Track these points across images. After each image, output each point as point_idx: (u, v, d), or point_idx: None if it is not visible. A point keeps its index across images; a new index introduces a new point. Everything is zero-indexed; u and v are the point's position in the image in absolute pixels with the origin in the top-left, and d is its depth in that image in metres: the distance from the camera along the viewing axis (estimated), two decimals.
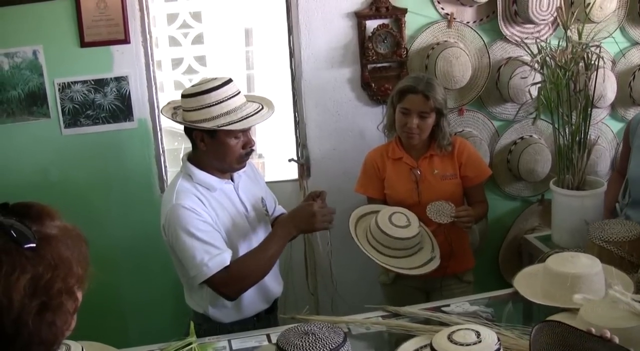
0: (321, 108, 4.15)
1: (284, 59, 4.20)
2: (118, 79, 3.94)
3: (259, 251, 2.87)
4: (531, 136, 4.33)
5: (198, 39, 4.84)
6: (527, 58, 3.88)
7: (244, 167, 3.03)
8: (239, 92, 2.89)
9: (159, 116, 4.03)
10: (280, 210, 3.33)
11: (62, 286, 1.39)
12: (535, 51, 3.67)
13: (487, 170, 3.65)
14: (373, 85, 4.08)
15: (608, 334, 1.98)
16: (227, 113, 2.81)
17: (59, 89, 3.90)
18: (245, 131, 2.89)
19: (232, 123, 2.80)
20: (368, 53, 4.03)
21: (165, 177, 4.13)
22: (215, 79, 2.88)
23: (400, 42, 4.03)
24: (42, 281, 1.35)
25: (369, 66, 4.09)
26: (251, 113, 2.87)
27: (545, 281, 2.71)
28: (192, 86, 2.93)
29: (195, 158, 2.98)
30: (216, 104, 2.80)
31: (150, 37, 3.99)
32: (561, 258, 2.75)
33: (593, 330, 2.01)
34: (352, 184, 3.68)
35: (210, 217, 2.86)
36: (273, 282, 3.15)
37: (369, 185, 3.63)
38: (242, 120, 2.82)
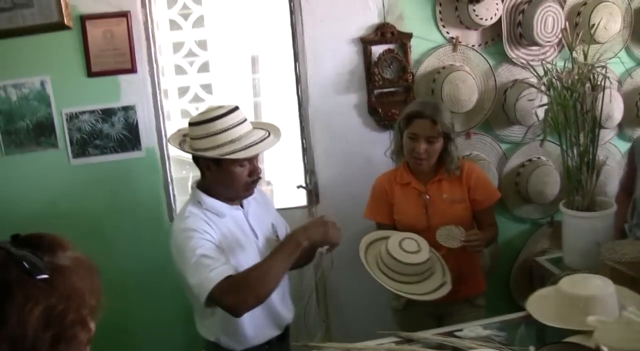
0: (328, 134, 4.15)
1: (291, 86, 4.22)
2: (125, 108, 3.96)
3: (264, 261, 2.80)
4: (539, 158, 4.32)
5: (204, 67, 4.87)
6: (533, 80, 3.88)
7: (251, 194, 3.02)
8: (245, 120, 2.89)
9: (166, 144, 4.04)
10: None
11: (75, 317, 1.39)
12: (542, 73, 3.67)
13: (496, 193, 3.64)
14: (380, 110, 4.09)
15: None
16: (232, 141, 2.81)
17: (67, 119, 3.92)
18: (251, 159, 2.89)
19: (235, 152, 2.80)
20: (374, 78, 4.04)
21: (174, 205, 4.14)
22: (222, 107, 2.88)
23: (406, 66, 4.05)
24: (55, 312, 1.35)
25: (376, 91, 4.10)
26: (256, 141, 2.86)
27: (558, 303, 2.69)
28: (199, 114, 2.93)
29: (204, 185, 2.99)
30: (221, 132, 2.80)
31: (157, 65, 4.01)
32: (573, 280, 2.73)
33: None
34: (360, 209, 3.67)
35: (216, 238, 2.85)
36: (283, 307, 3.13)
37: (378, 211, 3.62)
38: (247, 148, 2.82)
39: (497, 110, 4.21)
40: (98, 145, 3.97)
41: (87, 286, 1.44)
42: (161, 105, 4.05)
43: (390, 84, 4.08)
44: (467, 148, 4.21)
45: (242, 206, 3.05)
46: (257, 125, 2.99)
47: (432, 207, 3.47)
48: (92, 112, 3.94)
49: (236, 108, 2.88)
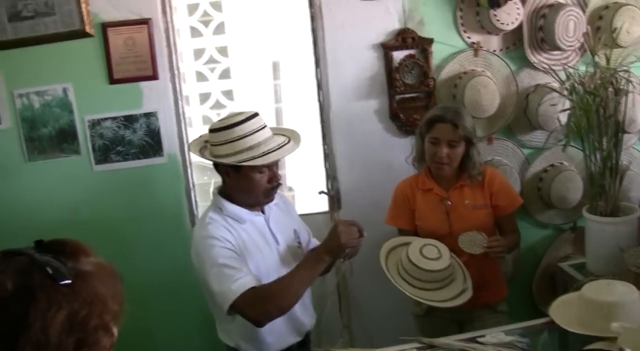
0: (350, 139, 4.16)
1: (312, 92, 4.23)
2: (147, 115, 3.98)
3: (288, 275, 2.82)
4: (562, 163, 4.30)
5: (225, 74, 4.87)
6: (555, 85, 3.87)
7: (271, 200, 3.02)
8: (265, 126, 2.90)
9: (188, 151, 4.06)
10: (314, 242, 3.29)
11: (98, 322, 1.40)
12: (564, 77, 3.66)
13: (518, 199, 3.62)
14: (401, 115, 4.09)
15: None
16: (250, 148, 2.82)
17: (89, 126, 3.95)
18: (271, 166, 2.90)
19: (253, 158, 2.81)
20: (395, 84, 4.04)
21: (195, 211, 4.16)
22: (241, 113, 2.89)
23: (427, 72, 4.05)
24: (79, 317, 1.36)
25: (397, 97, 4.10)
26: (274, 148, 2.87)
27: (582, 309, 2.68)
28: (219, 120, 2.95)
29: (225, 192, 3.00)
30: (239, 139, 2.82)
31: (178, 72, 4.04)
32: (597, 286, 2.73)
33: None
34: (382, 215, 3.67)
35: (237, 246, 2.86)
36: (304, 314, 3.13)
37: (399, 217, 3.62)
38: (265, 155, 2.82)
39: (519, 115, 4.20)
40: (120, 151, 4.00)
41: (109, 291, 1.45)
42: (183, 112, 4.08)
43: (411, 90, 4.08)
44: (489, 154, 4.20)
45: (263, 212, 3.05)
46: (277, 131, 3.00)
47: (454, 213, 3.46)
48: (114, 118, 3.97)
49: (256, 114, 2.89)
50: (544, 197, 4.29)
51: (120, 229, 4.09)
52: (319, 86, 4.16)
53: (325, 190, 4.25)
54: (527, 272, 4.46)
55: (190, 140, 4.02)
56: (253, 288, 2.72)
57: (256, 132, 2.84)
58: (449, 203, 3.47)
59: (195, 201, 4.18)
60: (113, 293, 1.46)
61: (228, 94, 4.94)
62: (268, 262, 2.96)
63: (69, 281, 1.37)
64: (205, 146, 2.99)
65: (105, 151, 3.99)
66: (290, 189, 5.14)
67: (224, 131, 2.84)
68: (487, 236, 3.33)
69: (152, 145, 4.02)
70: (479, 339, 2.83)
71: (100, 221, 4.04)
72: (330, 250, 2.86)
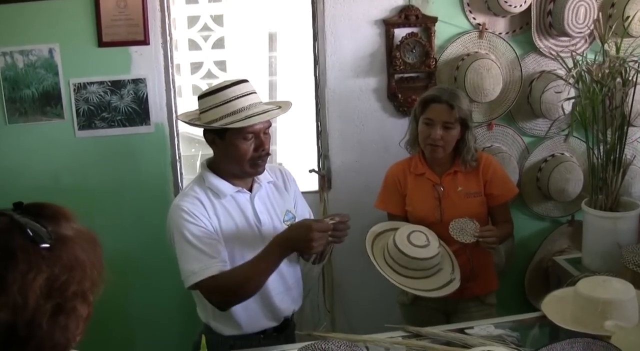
0: (345, 118, 4.14)
1: (308, 66, 4.21)
2: (135, 81, 3.95)
3: (249, 266, 2.80)
4: (563, 154, 4.30)
5: (219, 43, 4.86)
6: (561, 72, 3.86)
7: (259, 172, 2.97)
8: (253, 92, 2.86)
9: (176, 121, 4.03)
10: None
11: (77, 289, 1.40)
12: (571, 65, 3.64)
13: (513, 188, 3.62)
14: (400, 96, 4.07)
15: None
16: (234, 112, 2.78)
17: (74, 90, 3.91)
18: (257, 133, 2.85)
19: (235, 122, 2.77)
20: (395, 62, 4.02)
21: (180, 185, 4.13)
22: (230, 80, 2.89)
23: (429, 52, 4.03)
24: (58, 282, 1.36)
25: (396, 76, 4.09)
26: (258, 112, 2.82)
27: (575, 306, 2.67)
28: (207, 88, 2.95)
29: (213, 164, 2.99)
30: (224, 103, 2.79)
31: (171, 39, 4.00)
32: (592, 282, 2.72)
33: None
34: (373, 198, 3.65)
35: (210, 223, 2.86)
36: (283, 300, 3.09)
37: (389, 201, 3.61)
38: (247, 118, 2.78)
39: (522, 102, 4.19)
40: (105, 117, 3.97)
41: (89, 258, 1.45)
42: (172, 80, 4.04)
43: (411, 69, 4.07)
44: (488, 140, 4.20)
45: (250, 190, 3.05)
46: (270, 104, 2.97)
47: (446, 200, 3.44)
48: (100, 83, 3.93)
49: (244, 80, 2.86)
50: (542, 188, 4.29)
51: (101, 199, 4.06)
52: (316, 61, 4.13)
53: (316, 169, 4.24)
54: (520, 265, 4.46)
55: (179, 110, 4.01)
56: (214, 277, 2.74)
57: (242, 97, 2.81)
58: (442, 189, 3.45)
59: (181, 173, 4.15)
60: (93, 261, 1.45)
61: (221, 64, 4.93)
62: (245, 241, 2.94)
63: (49, 245, 1.37)
64: (198, 117, 2.98)
65: (90, 116, 3.96)
66: (280, 165, 5.14)
67: (210, 96, 2.83)
68: (479, 224, 3.34)
69: (139, 112, 3.99)
70: (467, 331, 2.82)
71: (80, 189, 4.01)
72: (296, 248, 2.84)
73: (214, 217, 2.89)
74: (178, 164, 4.13)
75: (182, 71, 4.82)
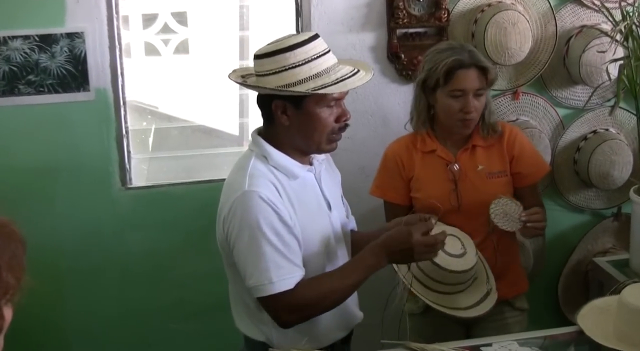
0: None
1: (289, 18, 4.21)
2: (71, 36, 3.92)
3: (338, 276, 2.81)
4: (607, 130, 4.30)
5: None
6: (607, 27, 3.85)
7: (334, 148, 2.95)
8: (329, 50, 2.82)
9: (123, 86, 4.01)
10: (353, 223, 3.27)
11: None
12: (618, 18, 3.63)
13: (544, 165, 3.63)
14: (403, 56, 4.07)
15: None
16: (318, 75, 2.73)
17: None
18: (339, 100, 2.83)
19: (325, 87, 2.73)
20: (398, 14, 4.01)
21: (128, 166, 4.11)
22: (296, 34, 2.84)
23: (439, 1, 4.01)
24: None
25: (399, 31, 4.08)
26: (347, 75, 2.80)
27: (620, 319, 2.67)
28: (267, 45, 2.84)
29: (269, 136, 2.92)
30: (302, 64, 2.72)
31: None
32: None
33: None
34: (369, 183, 3.66)
35: (289, 214, 2.80)
36: (356, 304, 3.13)
37: (388, 187, 3.58)
38: (339, 82, 2.75)
39: (556, 65, 4.19)
40: (32, 81, 3.94)
41: (4, 259, 1.42)
42: (118, 35, 4.03)
43: (418, 23, 4.06)
44: (513, 112, 4.19)
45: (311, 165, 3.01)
46: (340, 62, 2.90)
47: (463, 182, 3.41)
48: (26, 37, 3.90)
49: (317, 35, 2.82)
50: (580, 173, 4.29)
51: (28, 182, 4.03)
52: (298, 12, 4.15)
53: None
54: (553, 268, 4.48)
55: (126, 73, 3.98)
56: (294, 291, 2.72)
57: (321, 55, 2.77)
58: (457, 168, 3.42)
59: (129, 152, 4.14)
60: (9, 261, 1.43)
61: (180, 16, 4.88)
62: (320, 232, 2.92)
63: None
64: (244, 81, 2.91)
65: (12, 80, 3.93)
66: None
67: (278, 55, 2.73)
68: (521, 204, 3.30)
69: (76, 76, 3.96)
70: (483, 348, 2.83)
71: (2, 170, 3.99)
72: (394, 262, 2.89)
73: (288, 204, 2.83)
74: (125, 140, 4.12)
75: (132, 25, 4.78)
